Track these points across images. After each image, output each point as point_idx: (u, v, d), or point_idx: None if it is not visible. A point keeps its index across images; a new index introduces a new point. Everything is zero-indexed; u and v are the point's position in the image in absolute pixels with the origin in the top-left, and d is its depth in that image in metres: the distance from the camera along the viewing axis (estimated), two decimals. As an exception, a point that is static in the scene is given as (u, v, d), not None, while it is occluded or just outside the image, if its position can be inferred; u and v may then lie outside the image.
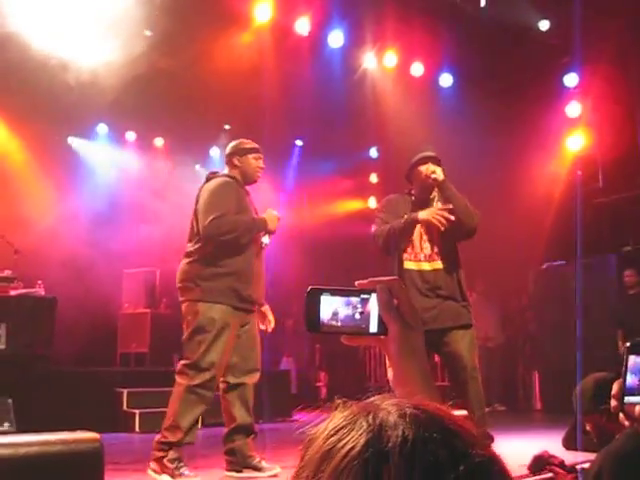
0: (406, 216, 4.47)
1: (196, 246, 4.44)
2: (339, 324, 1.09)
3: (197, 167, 11.89)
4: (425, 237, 4.56)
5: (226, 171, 4.70)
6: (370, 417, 0.65)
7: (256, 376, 4.60)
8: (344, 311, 1.09)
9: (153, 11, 7.77)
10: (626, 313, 8.43)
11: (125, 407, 7.55)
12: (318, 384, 11.72)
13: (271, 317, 4.80)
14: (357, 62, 10.49)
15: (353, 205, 12.15)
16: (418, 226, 4.53)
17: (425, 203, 4.62)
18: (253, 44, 9.12)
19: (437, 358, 11.54)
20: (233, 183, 4.59)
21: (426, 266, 4.53)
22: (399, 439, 0.62)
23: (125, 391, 7.62)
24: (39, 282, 7.63)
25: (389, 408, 0.66)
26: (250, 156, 4.69)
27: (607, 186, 9.77)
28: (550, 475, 3.47)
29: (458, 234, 4.56)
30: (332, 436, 0.65)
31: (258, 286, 4.60)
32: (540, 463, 3.55)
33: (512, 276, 10.33)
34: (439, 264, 4.55)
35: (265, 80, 9.01)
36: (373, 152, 12.35)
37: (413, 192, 4.71)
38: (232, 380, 4.52)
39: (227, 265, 4.41)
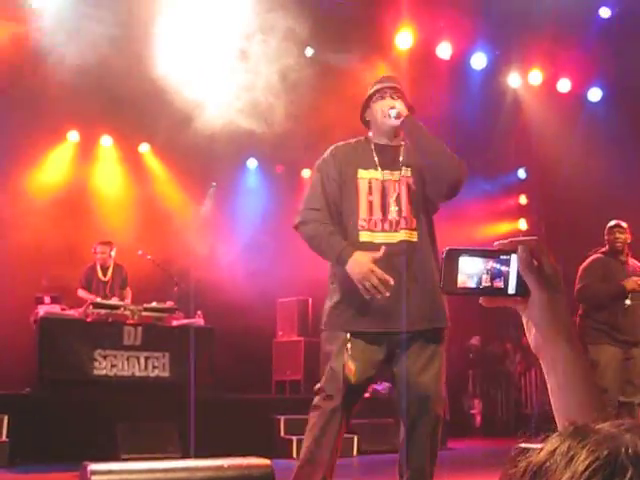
0: (340, 244, 3.17)
1: None
2: (477, 285, 1.06)
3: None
4: (391, 195, 3.27)
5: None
6: (629, 454, 0.57)
7: None
8: (483, 272, 1.06)
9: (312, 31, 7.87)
10: None
11: (282, 434, 7.68)
12: (472, 411, 11.47)
13: None
14: (501, 82, 10.34)
15: (502, 228, 11.89)
16: (374, 181, 3.30)
17: (389, 152, 3.37)
18: (394, 70, 9.20)
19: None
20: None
21: (391, 238, 3.23)
22: None
23: (282, 418, 7.76)
24: (198, 312, 7.95)
25: None
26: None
27: None
28: None
29: (435, 191, 3.29)
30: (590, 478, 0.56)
31: None
32: None
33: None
34: (410, 235, 3.25)
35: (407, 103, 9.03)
36: (521, 173, 12.08)
37: (373, 138, 3.44)
38: None
39: None
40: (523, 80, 10.24)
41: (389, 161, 3.34)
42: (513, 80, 10.26)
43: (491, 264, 1.06)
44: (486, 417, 11.34)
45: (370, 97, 3.42)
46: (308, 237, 3.28)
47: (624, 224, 6.05)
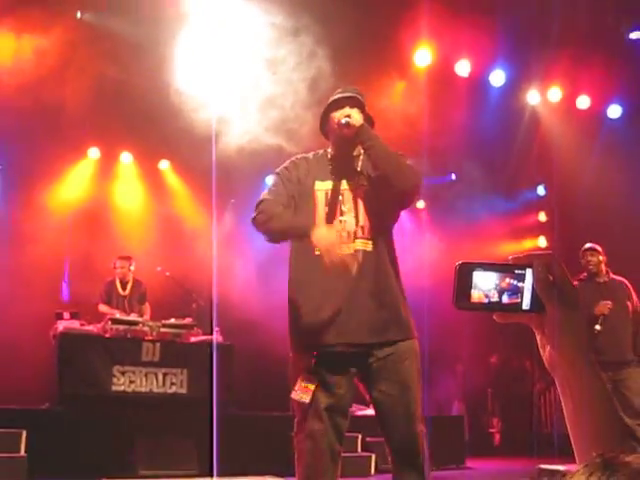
0: (299, 224, 3.19)
1: None
2: (491, 301, 1.03)
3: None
4: (347, 206, 3.22)
5: None
6: None
7: None
8: (496, 287, 1.03)
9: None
10: None
11: (299, 451, 7.64)
12: (491, 430, 11.37)
13: None
14: (519, 99, 10.32)
15: (522, 245, 11.82)
16: (331, 191, 3.25)
17: (345, 162, 3.33)
18: (412, 86, 9.22)
19: None
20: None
21: (347, 248, 3.14)
22: None
23: (299, 435, 7.71)
24: (217, 329, 7.94)
25: None
26: None
27: None
28: None
29: (389, 201, 3.23)
30: None
31: None
32: None
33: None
34: (366, 244, 3.18)
35: (424, 121, 9.05)
36: (541, 190, 12.03)
37: (330, 150, 3.40)
38: None
39: None
40: (542, 97, 10.21)
41: (346, 171, 3.30)
42: (532, 97, 10.24)
43: (506, 279, 1.03)
44: (505, 436, 11.24)
45: (327, 107, 3.34)
46: (268, 223, 3.22)
47: (597, 247, 6.16)
